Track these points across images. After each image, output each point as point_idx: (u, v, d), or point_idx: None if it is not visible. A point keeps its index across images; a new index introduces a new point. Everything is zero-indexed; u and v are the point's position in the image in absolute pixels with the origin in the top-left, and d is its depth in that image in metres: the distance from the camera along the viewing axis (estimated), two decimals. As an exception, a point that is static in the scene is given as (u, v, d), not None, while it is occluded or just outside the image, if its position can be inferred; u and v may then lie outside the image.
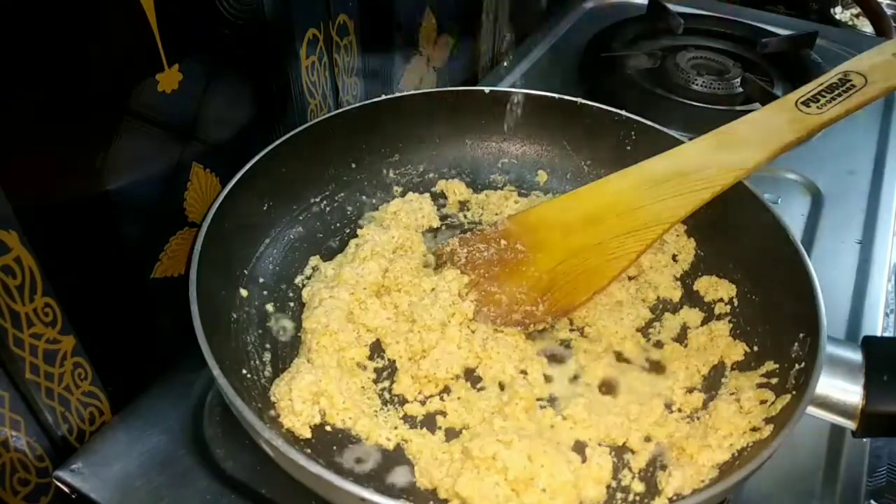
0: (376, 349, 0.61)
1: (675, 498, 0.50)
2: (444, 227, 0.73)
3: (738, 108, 0.96)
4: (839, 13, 1.57)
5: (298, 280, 0.66)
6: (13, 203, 0.46)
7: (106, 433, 0.57)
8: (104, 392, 0.58)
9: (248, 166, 0.62)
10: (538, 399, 0.57)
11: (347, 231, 0.71)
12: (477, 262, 0.65)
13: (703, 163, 0.59)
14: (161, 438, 0.56)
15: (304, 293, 0.64)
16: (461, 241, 0.66)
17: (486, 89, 0.76)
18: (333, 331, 0.58)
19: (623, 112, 0.73)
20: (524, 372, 0.59)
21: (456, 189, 0.76)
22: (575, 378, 0.60)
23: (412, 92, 0.76)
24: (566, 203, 0.65)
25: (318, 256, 0.68)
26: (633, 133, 0.73)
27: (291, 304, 0.64)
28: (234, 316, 0.59)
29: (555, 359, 0.61)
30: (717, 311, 0.64)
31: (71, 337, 0.53)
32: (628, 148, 0.73)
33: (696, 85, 0.97)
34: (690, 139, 0.70)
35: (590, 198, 0.64)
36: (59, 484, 0.54)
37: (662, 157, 0.62)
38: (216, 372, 0.47)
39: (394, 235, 0.67)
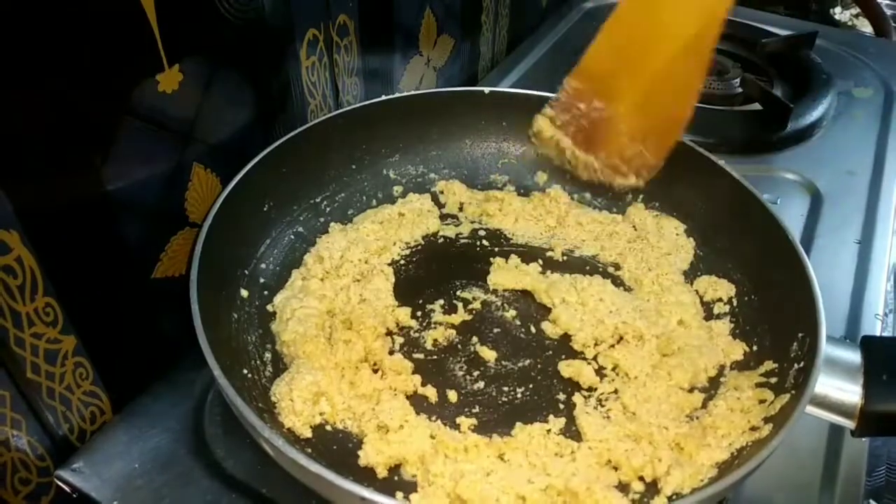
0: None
1: (674, 497, 0.50)
2: (443, 228, 0.73)
3: (738, 108, 0.96)
4: (839, 13, 1.57)
5: (299, 280, 0.66)
6: (14, 203, 0.46)
7: (107, 433, 0.57)
8: (105, 392, 0.58)
9: (248, 167, 0.62)
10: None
11: (347, 231, 0.71)
12: (571, 129, 0.60)
13: None
14: (162, 438, 0.56)
15: (277, 301, 0.63)
16: (556, 108, 0.62)
17: (486, 90, 0.76)
18: (312, 336, 0.58)
19: (623, 112, 0.73)
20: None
21: (456, 189, 0.76)
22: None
23: (412, 92, 0.76)
24: (612, 32, 0.58)
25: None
26: (632, 133, 0.73)
27: (292, 303, 0.64)
28: (235, 316, 0.59)
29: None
30: (716, 310, 0.64)
31: (72, 337, 0.53)
32: (628, 148, 0.73)
33: (696, 85, 0.97)
34: (691, 140, 0.70)
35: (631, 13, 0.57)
36: (60, 483, 0.54)
37: None
38: (217, 372, 0.47)
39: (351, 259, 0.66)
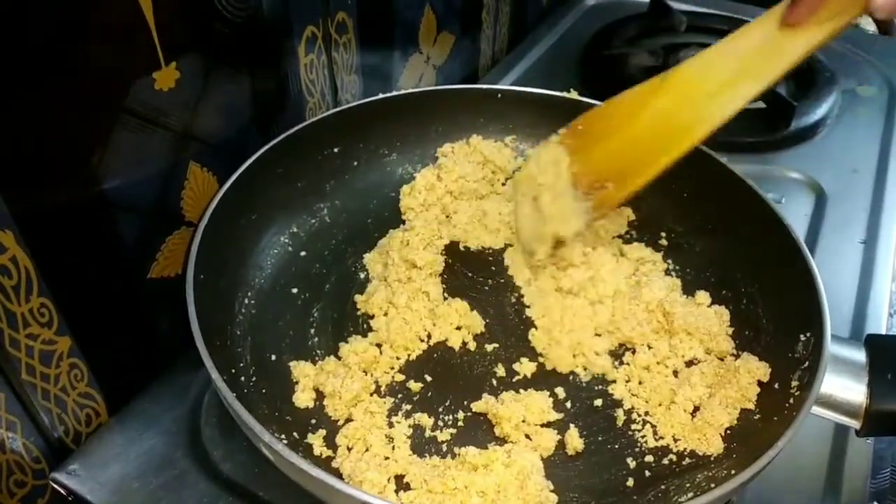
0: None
1: (679, 499, 0.49)
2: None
3: (740, 106, 0.96)
4: (841, 11, 1.56)
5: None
6: (9, 202, 0.45)
7: (102, 435, 0.56)
8: (100, 393, 0.57)
9: (245, 165, 0.61)
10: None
11: (345, 232, 0.70)
12: None
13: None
14: (158, 440, 0.56)
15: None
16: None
17: (487, 87, 0.76)
18: None
19: (624, 110, 0.72)
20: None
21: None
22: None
23: (411, 90, 0.75)
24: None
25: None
26: (634, 131, 0.72)
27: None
28: (232, 317, 0.58)
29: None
30: (720, 310, 0.64)
31: (67, 338, 0.53)
32: (630, 146, 0.72)
33: (698, 83, 0.96)
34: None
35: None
36: (55, 486, 0.54)
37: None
38: (214, 374, 0.47)
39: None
